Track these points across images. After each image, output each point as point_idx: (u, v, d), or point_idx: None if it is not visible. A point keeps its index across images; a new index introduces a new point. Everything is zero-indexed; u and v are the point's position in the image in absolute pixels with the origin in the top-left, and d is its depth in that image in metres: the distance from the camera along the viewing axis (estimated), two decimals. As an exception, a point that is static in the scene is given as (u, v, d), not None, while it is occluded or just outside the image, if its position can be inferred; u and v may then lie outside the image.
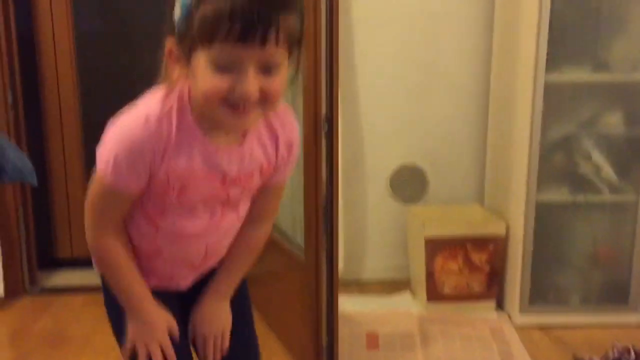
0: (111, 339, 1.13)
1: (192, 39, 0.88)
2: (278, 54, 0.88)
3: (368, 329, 2.18)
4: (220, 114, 0.92)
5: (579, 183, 2.16)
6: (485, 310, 2.30)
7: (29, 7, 2.60)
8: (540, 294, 2.22)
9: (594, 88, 2.15)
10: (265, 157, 1.05)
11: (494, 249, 2.27)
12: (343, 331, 2.04)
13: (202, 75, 0.89)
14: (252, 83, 0.88)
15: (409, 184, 2.59)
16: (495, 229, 2.27)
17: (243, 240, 1.14)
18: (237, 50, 0.86)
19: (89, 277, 2.65)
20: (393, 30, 2.48)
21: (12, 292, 2.52)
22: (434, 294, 2.30)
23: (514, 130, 2.24)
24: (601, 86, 2.15)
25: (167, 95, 0.96)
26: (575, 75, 2.10)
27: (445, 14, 2.47)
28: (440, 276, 2.28)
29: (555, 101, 2.10)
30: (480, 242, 2.27)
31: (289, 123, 1.07)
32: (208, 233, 1.06)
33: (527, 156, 2.13)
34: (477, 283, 2.30)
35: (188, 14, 0.88)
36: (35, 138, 2.66)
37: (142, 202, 1.02)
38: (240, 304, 1.18)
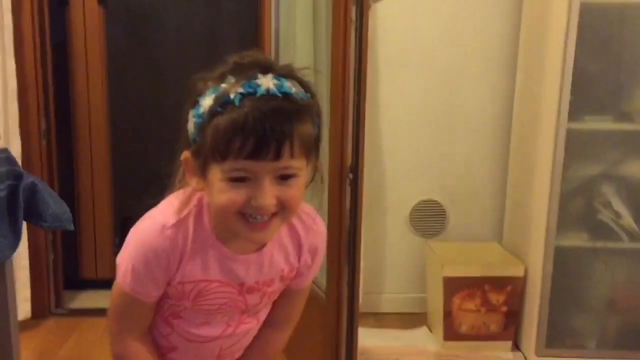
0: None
1: (205, 155, 0.86)
2: (294, 163, 0.86)
3: (385, 366, 2.21)
4: (238, 228, 0.89)
5: (599, 229, 2.18)
6: (502, 350, 2.32)
7: (64, 33, 2.69)
8: (557, 337, 2.23)
9: (616, 136, 2.17)
10: (286, 263, 1.01)
11: (512, 290, 2.29)
12: (360, 367, 2.06)
13: (217, 188, 0.87)
14: (268, 195, 0.85)
15: (428, 219, 2.62)
16: (513, 270, 2.30)
17: (260, 345, 1.10)
18: (250, 164, 0.84)
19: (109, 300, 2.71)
20: (418, 71, 2.52)
21: (39, 313, 2.58)
22: (451, 333, 2.33)
23: (534, 174, 2.27)
24: (623, 135, 2.17)
25: (185, 202, 0.95)
26: (598, 124, 2.13)
27: (469, 57, 2.51)
28: (458, 315, 2.31)
29: (576, 147, 2.13)
30: (499, 283, 2.29)
31: (314, 228, 1.03)
32: (224, 337, 1.04)
33: (547, 201, 2.16)
34: (494, 323, 2.32)
35: (201, 129, 0.86)
36: (64, 162, 2.74)
37: (159, 304, 1.01)
38: None
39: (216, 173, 0.86)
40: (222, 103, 0.84)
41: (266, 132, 0.81)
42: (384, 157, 2.59)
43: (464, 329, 2.33)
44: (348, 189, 1.70)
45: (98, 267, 2.91)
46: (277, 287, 1.03)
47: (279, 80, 0.85)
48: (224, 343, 1.05)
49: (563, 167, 2.12)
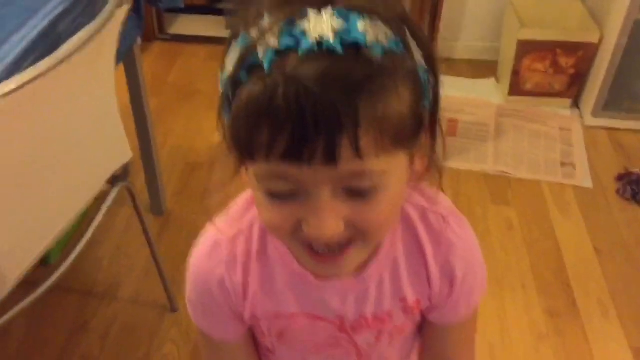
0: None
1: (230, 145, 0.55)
2: (369, 166, 0.50)
3: (450, 116, 2.49)
4: (299, 257, 0.62)
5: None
6: (561, 107, 2.52)
7: None
8: (616, 100, 2.40)
9: None
10: (411, 288, 0.68)
11: (583, 55, 2.39)
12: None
13: (257, 198, 0.57)
14: (327, 220, 0.52)
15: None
16: (588, 37, 2.36)
17: None
18: (291, 170, 0.50)
19: (207, 27, 2.96)
20: None
21: (147, 37, 2.90)
22: (516, 89, 2.52)
23: (635, -62, 2.17)
24: None
25: (249, 200, 0.67)
26: None
27: None
28: (525, 74, 2.47)
29: None
30: (571, 48, 2.38)
31: (447, 237, 0.66)
32: None
33: (640, -30, 2.12)
34: (559, 83, 2.48)
35: (226, 104, 0.53)
36: None
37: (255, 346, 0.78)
38: None
39: (252, 174, 0.55)
40: (248, 66, 0.50)
41: (306, 119, 0.47)
42: None
43: (528, 86, 2.51)
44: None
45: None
46: (403, 321, 0.71)
47: (346, 18, 0.48)
48: None
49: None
